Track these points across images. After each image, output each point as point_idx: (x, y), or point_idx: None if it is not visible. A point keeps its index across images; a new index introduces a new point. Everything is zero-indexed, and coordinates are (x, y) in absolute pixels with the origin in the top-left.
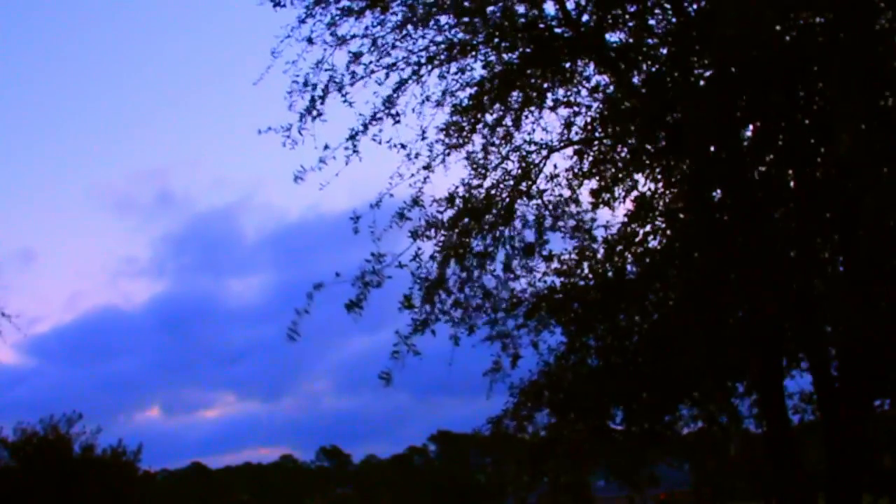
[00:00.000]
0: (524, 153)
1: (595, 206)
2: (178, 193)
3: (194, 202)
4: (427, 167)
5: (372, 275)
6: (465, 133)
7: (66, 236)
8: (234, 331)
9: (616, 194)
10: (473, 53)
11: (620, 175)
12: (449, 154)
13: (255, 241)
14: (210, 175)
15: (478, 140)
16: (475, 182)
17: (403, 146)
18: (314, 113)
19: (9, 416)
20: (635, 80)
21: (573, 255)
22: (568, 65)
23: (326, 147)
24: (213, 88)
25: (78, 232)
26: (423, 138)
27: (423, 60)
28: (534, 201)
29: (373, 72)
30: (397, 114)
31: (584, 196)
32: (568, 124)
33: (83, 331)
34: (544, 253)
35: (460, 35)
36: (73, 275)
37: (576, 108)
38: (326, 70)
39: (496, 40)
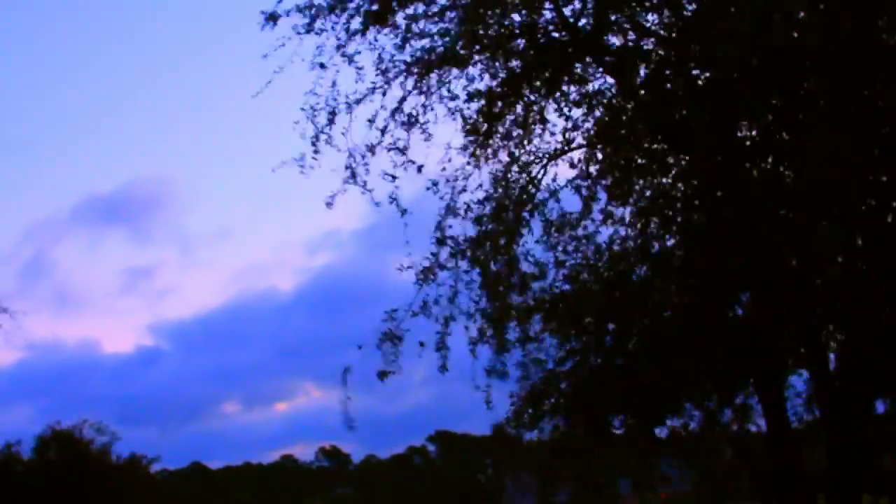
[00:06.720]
0: (525, 163)
1: (609, 202)
2: None
3: None
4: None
5: (390, 337)
6: (479, 144)
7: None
8: None
9: (628, 189)
10: (474, 60)
11: (631, 175)
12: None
13: None
14: None
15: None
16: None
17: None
18: (323, 139)
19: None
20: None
21: (580, 259)
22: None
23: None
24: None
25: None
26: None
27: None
28: (536, 211)
29: (376, 88)
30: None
31: (580, 199)
32: (568, 129)
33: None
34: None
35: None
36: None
37: (579, 112)
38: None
39: (495, 48)
